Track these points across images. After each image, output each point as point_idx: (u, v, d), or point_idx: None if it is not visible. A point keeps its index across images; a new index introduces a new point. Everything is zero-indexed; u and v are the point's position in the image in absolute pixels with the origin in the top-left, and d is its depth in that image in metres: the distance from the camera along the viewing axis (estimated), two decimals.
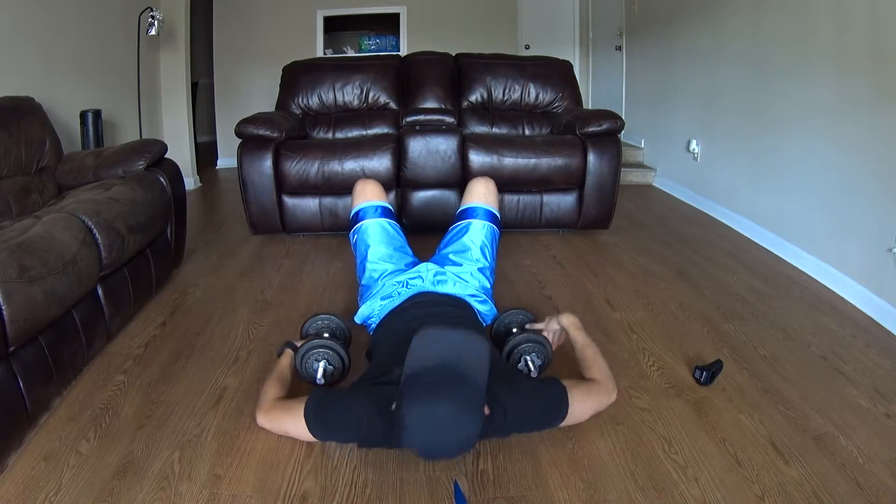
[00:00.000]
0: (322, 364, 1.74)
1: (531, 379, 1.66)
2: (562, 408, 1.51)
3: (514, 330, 1.91)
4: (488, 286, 1.95)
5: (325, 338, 1.80)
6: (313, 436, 1.48)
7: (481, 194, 2.02)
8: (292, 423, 1.49)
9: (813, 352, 2.06)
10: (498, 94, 3.86)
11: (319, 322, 1.96)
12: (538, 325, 1.88)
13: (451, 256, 1.95)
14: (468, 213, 2.00)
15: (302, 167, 3.14)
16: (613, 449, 1.54)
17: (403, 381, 1.28)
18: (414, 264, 1.94)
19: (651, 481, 1.42)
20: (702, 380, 1.82)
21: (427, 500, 1.37)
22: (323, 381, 1.74)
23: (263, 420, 1.56)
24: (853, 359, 2.01)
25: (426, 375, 1.25)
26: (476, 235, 1.96)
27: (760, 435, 1.59)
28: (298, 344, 1.78)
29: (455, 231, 2.01)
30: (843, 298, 2.52)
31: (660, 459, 1.50)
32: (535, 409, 1.50)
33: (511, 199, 3.31)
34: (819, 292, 2.60)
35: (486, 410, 1.31)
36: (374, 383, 1.47)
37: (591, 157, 3.21)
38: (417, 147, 3.21)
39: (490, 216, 1.99)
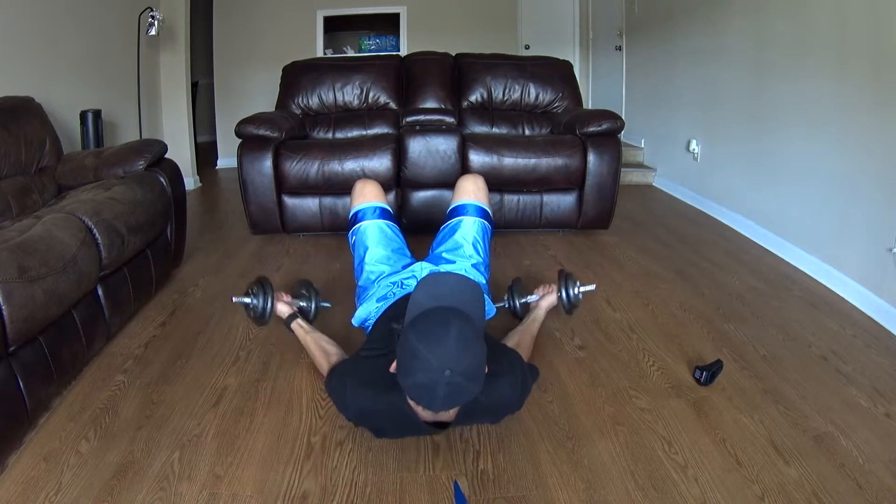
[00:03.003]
0: (247, 299, 1.94)
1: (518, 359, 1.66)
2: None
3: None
4: (484, 282, 1.95)
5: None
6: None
7: (470, 191, 2.03)
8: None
9: (813, 352, 2.06)
10: (498, 94, 3.86)
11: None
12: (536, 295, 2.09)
13: (444, 255, 1.95)
14: (458, 211, 2.01)
15: (302, 167, 3.14)
16: (613, 449, 1.54)
17: (408, 321, 1.30)
18: (410, 265, 1.94)
19: (651, 481, 1.42)
20: (702, 380, 1.82)
21: (427, 500, 1.37)
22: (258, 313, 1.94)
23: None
24: (853, 359, 2.01)
25: (430, 310, 1.27)
26: (467, 232, 1.96)
27: (760, 435, 1.59)
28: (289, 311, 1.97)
29: (446, 229, 2.01)
30: (843, 298, 2.52)
31: (660, 459, 1.50)
32: (528, 387, 1.55)
33: (511, 199, 3.31)
34: (819, 292, 2.60)
35: (486, 369, 1.31)
36: (368, 355, 1.53)
37: (591, 157, 3.21)
38: (417, 147, 3.21)
39: (480, 212, 2.00)
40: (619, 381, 1.87)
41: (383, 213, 2.03)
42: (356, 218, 2.03)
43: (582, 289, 2.06)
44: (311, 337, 1.86)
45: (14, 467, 1.45)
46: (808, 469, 1.45)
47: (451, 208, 2.05)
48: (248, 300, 1.93)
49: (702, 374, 1.82)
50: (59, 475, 1.42)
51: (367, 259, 1.95)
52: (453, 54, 4.05)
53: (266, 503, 1.35)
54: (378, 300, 1.84)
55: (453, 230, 1.98)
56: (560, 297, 2.06)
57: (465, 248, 1.94)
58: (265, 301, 1.93)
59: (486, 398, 1.38)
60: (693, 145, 4.10)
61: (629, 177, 4.76)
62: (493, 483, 1.42)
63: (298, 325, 1.92)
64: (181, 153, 4.47)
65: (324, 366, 1.77)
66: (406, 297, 1.80)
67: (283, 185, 3.19)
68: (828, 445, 1.54)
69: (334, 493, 1.38)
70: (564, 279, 2.07)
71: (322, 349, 1.80)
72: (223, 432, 1.60)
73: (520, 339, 1.85)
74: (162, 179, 2.54)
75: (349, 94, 3.80)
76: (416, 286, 1.38)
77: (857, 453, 1.51)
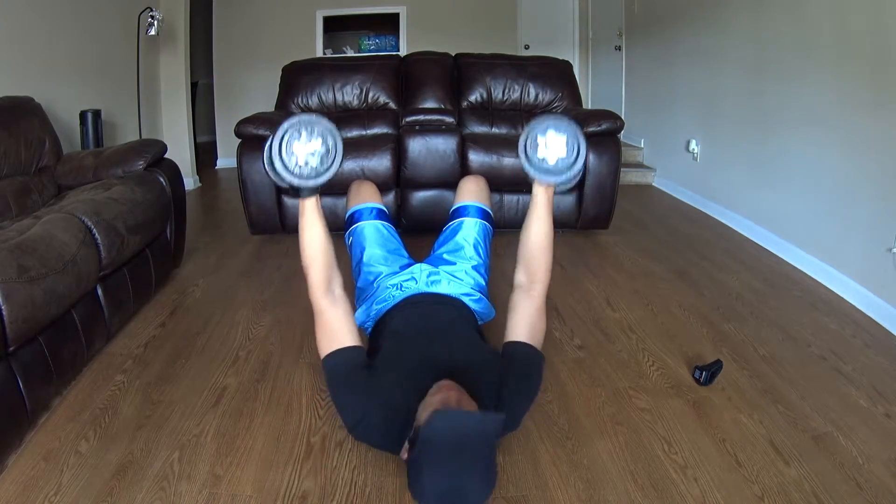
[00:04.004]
0: (316, 143, 1.33)
1: (524, 364, 1.54)
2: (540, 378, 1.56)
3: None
4: (483, 283, 1.95)
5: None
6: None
7: (472, 192, 2.03)
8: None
9: (813, 352, 2.06)
10: (497, 94, 3.86)
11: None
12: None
13: (444, 256, 1.94)
14: (460, 212, 2.01)
15: None
16: (613, 449, 1.54)
17: (423, 460, 1.17)
18: (408, 266, 1.94)
19: (651, 481, 1.42)
20: (702, 380, 1.82)
21: None
22: (319, 174, 1.36)
23: (315, 308, 1.55)
24: (853, 359, 2.01)
25: (445, 450, 1.14)
26: (468, 233, 1.96)
27: (760, 435, 1.59)
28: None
29: (448, 231, 2.01)
30: (843, 298, 2.52)
31: (659, 459, 1.50)
32: (534, 389, 1.55)
33: (511, 199, 3.31)
34: (819, 292, 2.60)
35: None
36: (385, 402, 1.41)
37: (590, 157, 3.20)
38: (417, 147, 3.21)
39: (482, 213, 2.00)
40: (619, 381, 1.87)
41: (380, 214, 2.03)
42: (353, 219, 2.03)
43: (548, 150, 1.42)
44: (327, 235, 1.57)
45: (14, 467, 1.45)
46: (807, 469, 1.45)
47: (452, 209, 2.05)
48: (321, 148, 1.34)
49: (701, 373, 1.82)
50: (59, 475, 1.42)
51: (364, 259, 1.95)
52: (453, 54, 4.05)
53: (265, 503, 1.35)
54: (377, 303, 1.83)
55: (454, 231, 1.98)
56: (520, 155, 1.46)
57: (465, 249, 1.94)
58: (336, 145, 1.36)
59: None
60: (693, 145, 4.10)
61: (629, 177, 4.76)
62: None
63: (315, 204, 1.49)
64: (181, 153, 4.47)
65: (318, 282, 1.55)
66: (405, 300, 1.79)
67: None
68: (827, 445, 1.54)
69: (334, 493, 1.38)
70: (528, 130, 1.43)
71: (328, 263, 1.58)
72: (223, 432, 1.60)
73: (528, 256, 1.64)
74: (161, 179, 2.54)
75: (349, 94, 3.80)
76: (430, 425, 1.14)
77: (856, 453, 1.51)
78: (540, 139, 1.43)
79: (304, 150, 1.33)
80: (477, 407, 1.31)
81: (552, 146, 1.43)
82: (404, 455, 1.29)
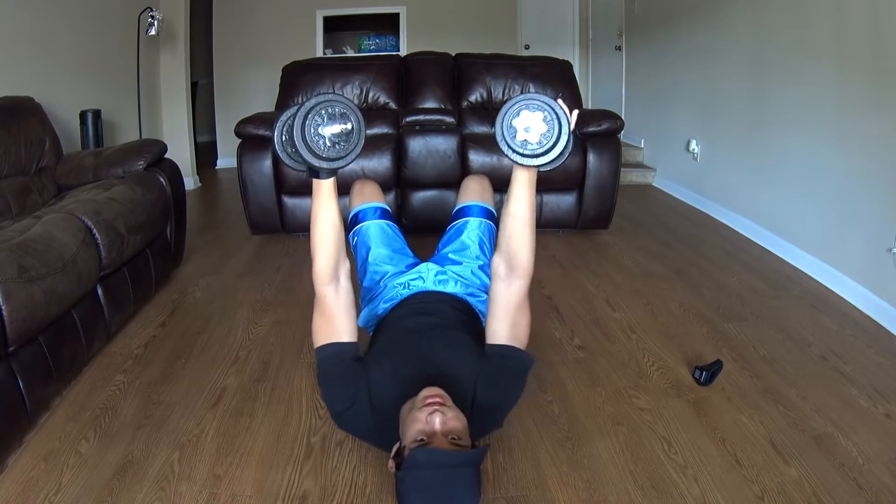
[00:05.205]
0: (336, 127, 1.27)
1: (500, 361, 1.50)
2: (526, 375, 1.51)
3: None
4: (489, 283, 1.95)
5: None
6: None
7: (476, 192, 2.03)
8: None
9: (813, 352, 2.06)
10: (498, 94, 3.86)
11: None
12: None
13: (450, 256, 1.94)
14: (464, 212, 2.01)
15: None
16: (613, 449, 1.54)
17: (403, 477, 1.18)
18: (414, 265, 1.94)
19: (651, 481, 1.42)
20: (702, 380, 1.82)
21: None
22: (339, 149, 1.29)
23: (317, 294, 1.48)
24: (853, 359, 2.01)
25: (427, 484, 1.15)
26: (473, 233, 1.96)
27: (760, 435, 1.59)
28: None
29: (452, 230, 2.01)
30: (843, 298, 2.52)
31: (660, 459, 1.50)
32: (511, 393, 1.51)
33: None
34: (819, 292, 2.60)
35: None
36: (372, 394, 1.42)
37: (590, 157, 3.21)
38: (417, 147, 3.21)
39: (486, 213, 2.00)
40: (619, 381, 1.87)
41: (383, 213, 2.03)
42: (357, 219, 2.02)
43: (527, 132, 1.34)
44: (340, 219, 1.45)
45: (14, 467, 1.45)
46: (807, 469, 1.45)
47: (456, 209, 2.06)
48: (347, 127, 1.29)
49: (701, 374, 1.82)
50: (59, 475, 1.42)
51: (370, 259, 1.95)
52: (453, 54, 4.05)
53: (266, 503, 1.35)
54: (385, 301, 1.83)
55: (459, 231, 1.99)
56: (500, 144, 1.36)
57: (471, 249, 1.94)
58: (358, 123, 1.30)
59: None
60: (693, 145, 4.10)
61: (629, 177, 4.76)
62: (492, 483, 1.42)
63: (332, 186, 1.39)
64: (181, 153, 4.47)
65: (325, 269, 1.45)
66: (410, 298, 1.78)
67: (282, 185, 3.19)
68: (828, 445, 1.54)
69: (334, 493, 1.38)
70: (501, 115, 1.34)
71: (338, 248, 1.46)
72: (223, 432, 1.60)
73: (510, 231, 1.46)
74: (162, 179, 2.54)
75: (349, 94, 3.80)
76: (415, 462, 1.16)
77: (856, 453, 1.51)
78: (516, 122, 1.35)
79: (330, 131, 1.28)
80: (463, 415, 1.30)
81: (529, 126, 1.36)
82: (391, 468, 1.28)
